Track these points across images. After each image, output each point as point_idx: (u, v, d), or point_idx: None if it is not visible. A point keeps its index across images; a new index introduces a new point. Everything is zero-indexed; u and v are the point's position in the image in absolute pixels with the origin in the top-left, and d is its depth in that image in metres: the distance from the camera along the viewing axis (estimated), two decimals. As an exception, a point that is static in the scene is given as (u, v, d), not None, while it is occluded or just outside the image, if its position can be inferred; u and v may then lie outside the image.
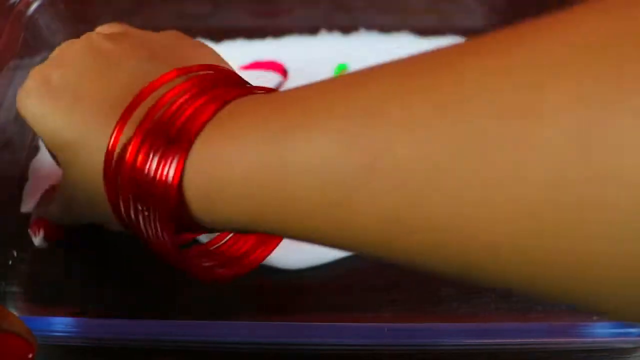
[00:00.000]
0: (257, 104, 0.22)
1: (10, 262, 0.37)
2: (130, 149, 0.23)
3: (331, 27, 0.48)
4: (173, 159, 0.22)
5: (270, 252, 0.31)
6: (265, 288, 0.36)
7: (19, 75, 0.44)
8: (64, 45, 0.31)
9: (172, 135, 0.22)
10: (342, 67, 0.46)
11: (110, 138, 0.24)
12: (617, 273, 0.14)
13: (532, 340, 0.33)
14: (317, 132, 0.19)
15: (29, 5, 0.46)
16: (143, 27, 0.45)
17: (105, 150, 0.24)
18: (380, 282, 0.37)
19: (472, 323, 0.35)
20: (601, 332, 0.32)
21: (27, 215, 0.39)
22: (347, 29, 0.47)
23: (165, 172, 0.22)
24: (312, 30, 0.48)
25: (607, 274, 0.14)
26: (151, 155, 0.22)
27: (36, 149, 0.43)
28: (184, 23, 0.51)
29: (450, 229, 0.17)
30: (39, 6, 0.46)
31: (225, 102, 0.23)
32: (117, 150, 0.23)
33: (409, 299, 0.36)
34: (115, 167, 0.23)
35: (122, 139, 0.24)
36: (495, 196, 0.15)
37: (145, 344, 0.34)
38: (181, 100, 0.23)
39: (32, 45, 0.46)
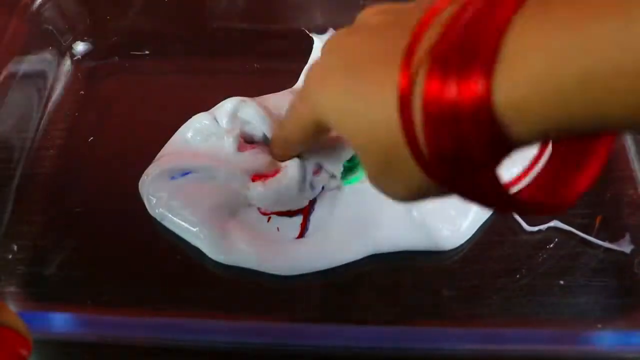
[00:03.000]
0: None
1: (10, 257, 0.37)
2: (426, 83, 0.20)
3: (336, 27, 0.48)
4: (477, 76, 0.19)
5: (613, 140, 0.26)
6: (265, 289, 0.36)
7: (24, 69, 0.44)
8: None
9: (470, 52, 0.19)
10: None
11: (400, 76, 0.21)
12: None
13: (533, 347, 0.32)
14: None
15: (34, 0, 0.46)
16: (149, 24, 0.46)
17: (396, 98, 0.22)
18: (381, 284, 0.37)
19: (473, 328, 0.34)
20: (604, 341, 0.32)
21: (24, 211, 0.39)
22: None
23: (470, 94, 0.19)
24: (319, 30, 0.48)
25: None
26: (449, 81, 0.19)
27: (37, 149, 0.43)
28: (189, 20, 0.51)
29: None
30: (45, 1, 0.46)
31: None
32: (411, 90, 0.21)
33: (410, 300, 0.36)
34: (412, 109, 0.21)
35: (413, 76, 0.21)
36: None
37: (144, 343, 0.34)
38: (469, 13, 0.20)
39: (38, 40, 0.46)
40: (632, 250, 0.37)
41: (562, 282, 0.36)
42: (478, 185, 0.22)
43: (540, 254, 0.37)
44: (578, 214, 0.38)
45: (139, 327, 0.33)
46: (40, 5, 0.46)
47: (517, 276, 0.36)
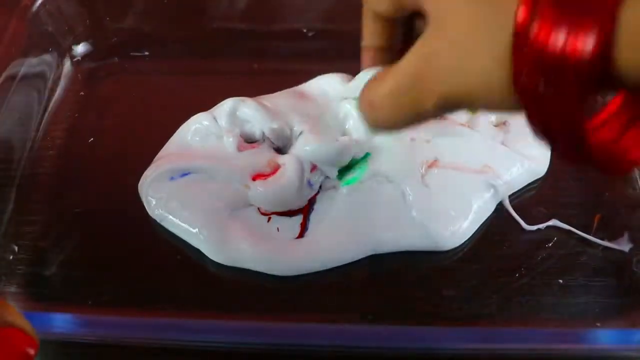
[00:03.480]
0: None
1: (11, 258, 0.37)
2: (540, 25, 0.21)
3: (336, 26, 0.48)
4: (590, 30, 0.20)
5: None
6: (265, 289, 0.36)
7: (24, 70, 0.44)
8: None
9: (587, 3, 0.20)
10: None
11: (519, 13, 0.21)
12: None
13: (533, 346, 0.32)
14: None
15: (34, 0, 0.46)
16: (149, 25, 0.45)
17: (510, 29, 0.22)
18: (381, 284, 0.37)
19: (473, 327, 0.34)
20: (603, 340, 0.32)
21: (24, 211, 0.40)
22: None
23: (580, 47, 0.20)
24: (318, 30, 0.48)
25: None
26: (561, 28, 0.21)
27: (37, 150, 0.43)
28: (189, 20, 0.51)
29: None
30: (44, 2, 0.46)
31: None
32: (528, 27, 0.21)
33: (410, 300, 0.36)
34: (525, 47, 0.21)
35: (532, 10, 0.21)
36: None
37: (144, 343, 0.34)
38: None
39: (37, 41, 0.46)
40: (631, 249, 0.37)
41: (561, 281, 0.36)
42: (567, 136, 0.23)
43: (539, 254, 0.37)
44: (577, 214, 0.39)
45: (139, 327, 0.33)
46: (40, 6, 0.46)
47: (517, 275, 0.36)
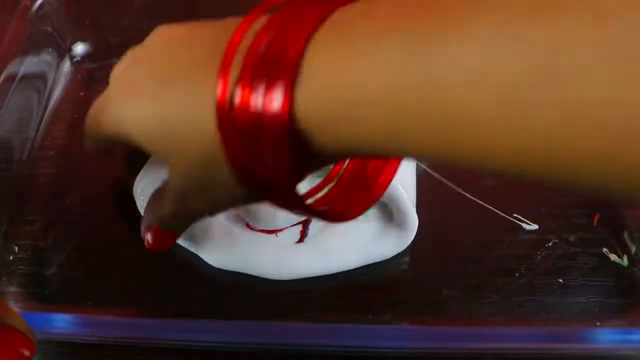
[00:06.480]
0: (370, 12, 0.18)
1: (11, 258, 0.37)
2: (239, 93, 0.20)
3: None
4: (277, 87, 0.19)
5: (395, 171, 0.28)
6: (265, 291, 0.36)
7: (24, 70, 0.44)
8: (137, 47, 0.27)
9: (274, 64, 0.19)
10: None
11: (217, 88, 0.20)
12: None
13: (533, 345, 0.32)
14: (472, 28, 0.15)
15: (34, 1, 0.46)
16: (149, 26, 0.45)
17: (213, 107, 0.21)
18: (381, 284, 0.37)
19: (473, 327, 0.34)
20: (603, 339, 0.32)
21: (24, 211, 0.40)
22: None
23: (272, 105, 0.19)
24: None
25: None
26: (257, 92, 0.19)
27: (37, 150, 0.43)
28: (189, 21, 0.51)
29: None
30: (44, 3, 0.46)
31: (325, 16, 0.19)
32: (228, 99, 0.20)
33: (410, 300, 0.36)
34: (229, 119, 0.20)
35: (230, 87, 0.20)
36: None
37: (144, 343, 0.34)
38: (277, 28, 0.19)
39: (37, 41, 0.46)
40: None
41: (561, 280, 0.36)
42: (284, 199, 0.22)
43: (539, 254, 0.37)
44: (575, 213, 0.39)
45: (139, 327, 0.33)
46: (40, 7, 0.46)
47: (517, 275, 0.36)
